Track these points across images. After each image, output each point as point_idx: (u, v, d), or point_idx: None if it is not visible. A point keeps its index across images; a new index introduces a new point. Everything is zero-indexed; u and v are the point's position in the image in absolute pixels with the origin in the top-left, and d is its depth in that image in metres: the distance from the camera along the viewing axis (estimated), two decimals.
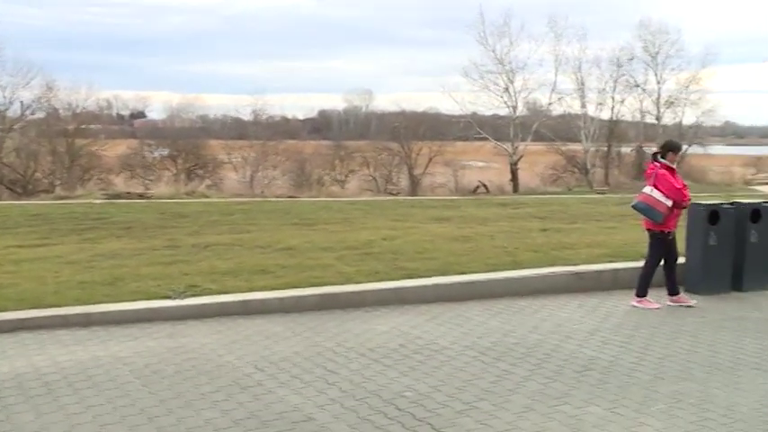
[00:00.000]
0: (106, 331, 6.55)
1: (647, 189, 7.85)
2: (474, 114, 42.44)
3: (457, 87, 53.14)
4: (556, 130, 43.69)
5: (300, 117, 61.94)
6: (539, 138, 43.09)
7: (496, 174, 43.25)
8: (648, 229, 8.00)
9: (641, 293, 7.94)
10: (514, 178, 40.05)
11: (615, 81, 42.56)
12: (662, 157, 7.96)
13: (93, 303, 6.98)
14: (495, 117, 43.65)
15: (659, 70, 43.23)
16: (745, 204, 8.77)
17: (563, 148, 43.47)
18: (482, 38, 40.68)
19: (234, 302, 7.36)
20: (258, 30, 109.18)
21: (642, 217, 8.04)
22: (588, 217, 12.91)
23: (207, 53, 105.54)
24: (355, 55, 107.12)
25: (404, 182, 41.23)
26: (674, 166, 8.01)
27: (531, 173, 43.95)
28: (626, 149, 46.56)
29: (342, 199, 19.02)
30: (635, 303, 7.90)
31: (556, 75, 41.96)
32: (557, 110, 44.02)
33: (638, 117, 44.99)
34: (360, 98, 58.13)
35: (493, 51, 40.56)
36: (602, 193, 29.38)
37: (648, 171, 8.06)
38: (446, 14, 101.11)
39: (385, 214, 12.86)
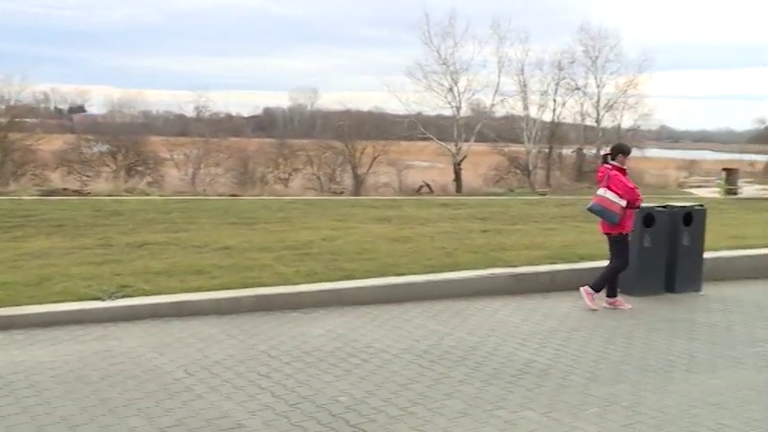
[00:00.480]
0: (29, 335, 6.26)
1: (601, 191, 7.89)
2: (419, 114, 42.61)
3: (402, 87, 53.17)
4: (499, 131, 44.20)
5: (245, 114, 61.40)
6: (483, 138, 43.51)
7: (441, 174, 43.47)
8: (607, 233, 8.03)
9: (595, 288, 7.98)
10: (458, 178, 40.31)
11: (557, 84, 43.30)
12: (612, 159, 8.03)
13: (16, 305, 6.68)
14: (441, 117, 43.93)
15: (599, 74, 44.12)
16: (678, 207, 8.92)
17: (506, 149, 44.01)
18: (427, 38, 40.89)
19: (167, 304, 7.14)
20: (203, 25, 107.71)
21: (599, 220, 8.06)
22: (528, 218, 13.01)
23: (150, 48, 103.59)
24: (301, 53, 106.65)
25: (348, 181, 41.12)
26: (625, 168, 8.07)
27: (475, 173, 44.32)
28: (567, 151, 47.39)
29: (283, 198, 18.79)
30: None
31: (499, 76, 42.41)
32: (500, 111, 44.56)
33: (578, 120, 45.86)
34: (305, 96, 57.87)
35: (437, 52, 40.83)
36: (543, 195, 29.78)
37: (600, 174, 8.07)
38: (392, 14, 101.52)
39: (326, 214, 12.73)
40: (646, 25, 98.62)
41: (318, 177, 41.03)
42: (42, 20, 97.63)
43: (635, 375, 5.75)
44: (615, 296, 8.09)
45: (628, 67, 43.92)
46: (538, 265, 9.01)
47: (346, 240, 10.11)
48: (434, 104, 41.68)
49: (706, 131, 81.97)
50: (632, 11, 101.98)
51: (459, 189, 38.61)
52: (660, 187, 40.48)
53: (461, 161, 40.82)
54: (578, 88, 44.11)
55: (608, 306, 8.02)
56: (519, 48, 44.54)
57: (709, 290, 8.93)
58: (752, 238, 10.88)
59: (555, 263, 9.11)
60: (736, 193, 28.77)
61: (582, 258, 9.30)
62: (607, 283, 8.04)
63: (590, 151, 45.35)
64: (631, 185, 7.91)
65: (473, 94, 42.39)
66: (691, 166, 52.85)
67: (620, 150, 8.14)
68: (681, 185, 44.24)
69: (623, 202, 7.80)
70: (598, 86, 44.54)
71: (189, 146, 42.66)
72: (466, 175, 42.31)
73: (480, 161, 45.16)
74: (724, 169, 31.13)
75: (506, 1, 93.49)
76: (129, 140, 41.26)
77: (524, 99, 43.00)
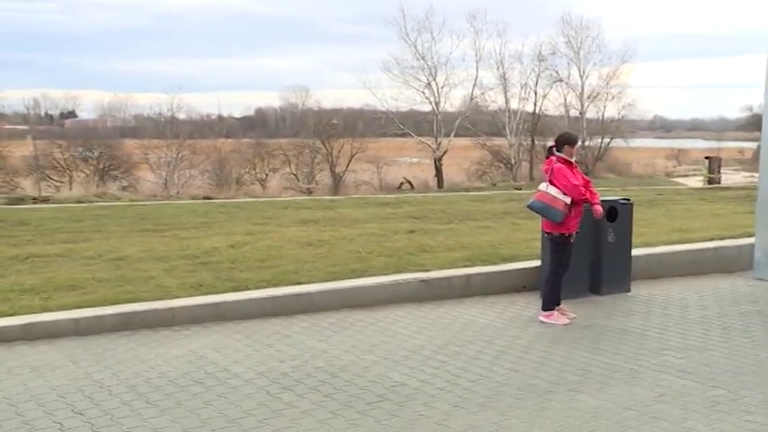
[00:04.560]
0: None
1: (543, 186, 6.99)
2: (410, 111, 41.83)
3: (381, 84, 52.36)
4: (482, 124, 43.49)
5: (237, 115, 60.92)
6: (468, 133, 42.78)
7: (423, 170, 42.76)
8: (547, 233, 7.10)
9: (547, 307, 7.05)
10: (439, 174, 39.59)
11: (538, 75, 42.54)
12: (558, 151, 7.09)
13: None
14: (430, 113, 43.16)
15: (582, 65, 43.37)
16: (603, 202, 8.11)
17: (488, 143, 43.26)
18: (403, 33, 40.18)
19: (15, 327, 6.38)
20: (187, 27, 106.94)
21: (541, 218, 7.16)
22: (467, 216, 12.23)
23: (139, 51, 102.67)
24: (289, 53, 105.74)
25: (327, 180, 40.38)
26: (573, 160, 7.13)
27: (458, 168, 43.59)
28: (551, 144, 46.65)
29: (214, 201, 17.85)
30: (542, 319, 6.98)
31: (477, 70, 41.68)
32: (482, 105, 43.81)
33: (562, 111, 45.07)
34: (296, 96, 57.08)
35: (414, 47, 40.10)
36: (519, 189, 29.05)
37: (545, 166, 7.18)
38: (376, 11, 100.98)
39: (251, 217, 11.95)
40: (628, 16, 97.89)
41: (296, 176, 40.33)
42: (30, 24, 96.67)
43: (511, 398, 4.99)
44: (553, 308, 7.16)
45: (611, 58, 43.26)
46: (454, 268, 8.24)
47: (255, 246, 9.35)
48: (411, 100, 40.92)
49: (698, 120, 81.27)
50: (614, 2, 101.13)
51: (440, 185, 37.87)
52: (647, 177, 39.76)
53: (442, 156, 40.09)
54: (560, 80, 43.38)
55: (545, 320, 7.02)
56: (497, 41, 43.85)
57: (640, 290, 8.17)
58: (695, 231, 10.09)
59: (472, 265, 8.34)
60: (718, 182, 27.98)
61: (503, 260, 8.53)
62: (552, 295, 7.06)
63: None
64: (575, 181, 6.91)
65: (451, 89, 41.65)
66: (679, 155, 52.08)
67: (566, 141, 7.14)
68: (669, 175, 43.50)
69: (568, 199, 6.86)
70: (581, 77, 43.80)
71: (164, 148, 41.91)
72: (448, 171, 41.57)
73: (466, 155, 44.39)
74: (706, 158, 30.37)
75: None
76: (103, 144, 40.62)
77: (505, 92, 42.25)
